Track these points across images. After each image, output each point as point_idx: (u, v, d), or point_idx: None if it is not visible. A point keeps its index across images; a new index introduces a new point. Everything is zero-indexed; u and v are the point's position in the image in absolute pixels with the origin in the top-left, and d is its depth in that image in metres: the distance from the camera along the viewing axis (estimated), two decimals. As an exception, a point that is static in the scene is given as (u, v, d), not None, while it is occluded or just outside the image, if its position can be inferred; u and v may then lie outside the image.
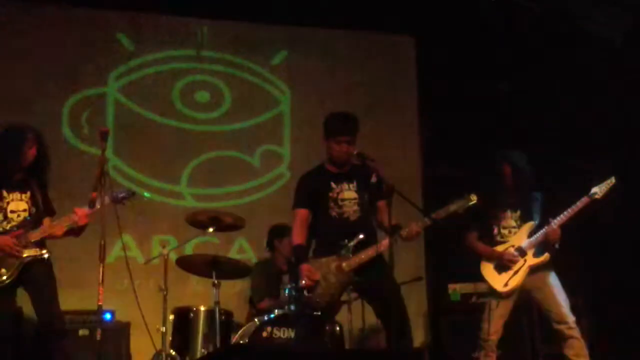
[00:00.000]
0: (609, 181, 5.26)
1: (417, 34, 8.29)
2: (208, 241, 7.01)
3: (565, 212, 5.24)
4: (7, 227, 4.96)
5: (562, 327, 5.19)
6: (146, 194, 5.96)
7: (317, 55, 8.13)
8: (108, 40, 7.61)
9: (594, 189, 5.25)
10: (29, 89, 7.25)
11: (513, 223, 5.39)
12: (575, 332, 5.18)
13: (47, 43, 7.40)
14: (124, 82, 7.63)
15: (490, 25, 7.74)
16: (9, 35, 7.31)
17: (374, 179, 4.86)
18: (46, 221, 5.07)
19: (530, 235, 5.31)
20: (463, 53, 7.77)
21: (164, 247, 6.23)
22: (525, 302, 5.53)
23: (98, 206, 4.63)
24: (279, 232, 6.64)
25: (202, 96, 7.84)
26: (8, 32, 7.31)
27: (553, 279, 5.30)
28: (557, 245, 5.28)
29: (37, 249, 4.95)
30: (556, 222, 5.22)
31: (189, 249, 6.95)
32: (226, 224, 5.92)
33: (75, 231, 5.07)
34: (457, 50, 7.78)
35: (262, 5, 7.57)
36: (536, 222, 5.35)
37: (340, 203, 4.91)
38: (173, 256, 6.13)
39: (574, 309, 5.33)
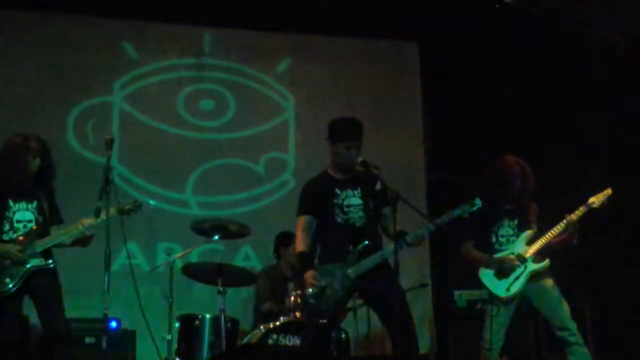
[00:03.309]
0: (605, 192, 5.26)
1: (420, 40, 8.31)
2: (213, 249, 7.02)
3: (569, 215, 5.24)
4: (14, 237, 4.96)
5: (564, 334, 5.17)
6: (151, 202, 5.97)
7: (321, 62, 8.15)
8: (113, 49, 7.64)
9: (592, 199, 5.25)
10: (34, 98, 7.29)
11: (510, 231, 5.37)
12: (578, 339, 5.16)
13: (51, 51, 7.44)
14: (129, 90, 7.66)
15: (494, 31, 7.75)
16: (14, 44, 7.36)
17: (378, 186, 4.86)
18: (53, 230, 5.08)
19: (529, 242, 5.30)
20: (467, 59, 7.78)
21: (169, 254, 6.23)
22: (530, 309, 5.51)
23: (104, 217, 4.64)
24: (284, 240, 6.65)
25: (207, 104, 7.86)
26: (13, 41, 7.35)
27: (553, 287, 5.27)
28: (576, 239, 5.25)
29: (43, 258, 4.95)
30: (572, 217, 5.20)
31: (194, 257, 6.96)
32: (231, 232, 5.93)
33: (82, 241, 5.07)
34: (461, 55, 7.79)
35: (265, 13, 7.59)
36: (534, 230, 5.34)
37: (345, 209, 4.90)
38: (178, 264, 6.14)
39: (577, 315, 5.32)
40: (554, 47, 7.66)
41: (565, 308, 5.22)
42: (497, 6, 7.63)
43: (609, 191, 5.26)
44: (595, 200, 5.23)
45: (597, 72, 7.38)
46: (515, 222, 5.37)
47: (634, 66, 7.26)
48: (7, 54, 7.33)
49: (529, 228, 5.33)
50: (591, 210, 5.22)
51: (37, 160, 5.04)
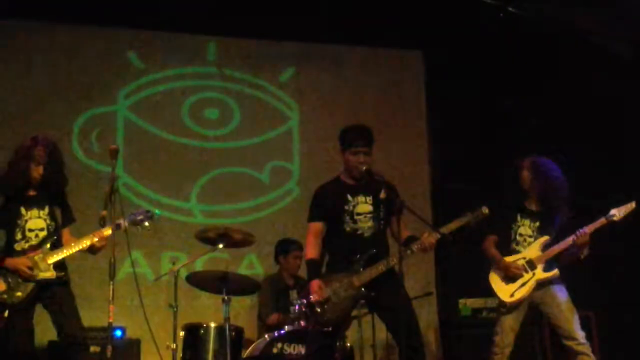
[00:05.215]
0: (629, 205, 5.16)
1: (424, 48, 8.31)
2: (218, 257, 7.01)
3: (585, 228, 5.18)
4: (26, 247, 4.95)
5: (571, 343, 5.13)
6: (156, 211, 5.97)
7: (325, 71, 8.16)
8: (118, 58, 7.66)
9: (613, 211, 5.16)
10: (39, 106, 7.30)
11: (530, 232, 5.34)
12: (585, 348, 5.10)
13: (57, 61, 7.46)
14: (134, 99, 7.67)
15: (498, 40, 7.75)
16: (19, 53, 7.38)
17: (382, 195, 4.85)
18: (65, 235, 5.07)
19: (543, 249, 5.27)
20: (471, 67, 7.79)
21: (173, 263, 6.23)
22: (537, 316, 5.49)
23: (109, 224, 4.63)
24: (283, 248, 6.66)
25: (212, 113, 7.87)
26: (19, 50, 7.38)
27: (562, 294, 5.24)
28: (585, 253, 5.23)
29: (54, 272, 4.92)
30: (586, 230, 5.15)
31: (198, 265, 6.96)
32: (236, 240, 5.93)
33: (93, 250, 5.06)
34: (465, 64, 7.80)
35: (270, 22, 7.60)
36: (551, 237, 5.30)
37: (355, 217, 4.86)
38: (183, 272, 6.14)
39: (585, 323, 5.29)
40: (558, 54, 7.67)
41: (574, 317, 5.16)
42: (501, 15, 7.64)
43: (632, 205, 5.16)
44: (617, 212, 5.15)
45: (605, 82, 7.37)
46: (537, 224, 5.33)
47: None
48: (13, 63, 7.35)
49: (548, 233, 5.29)
50: (611, 223, 5.16)
51: (40, 168, 5.02)
